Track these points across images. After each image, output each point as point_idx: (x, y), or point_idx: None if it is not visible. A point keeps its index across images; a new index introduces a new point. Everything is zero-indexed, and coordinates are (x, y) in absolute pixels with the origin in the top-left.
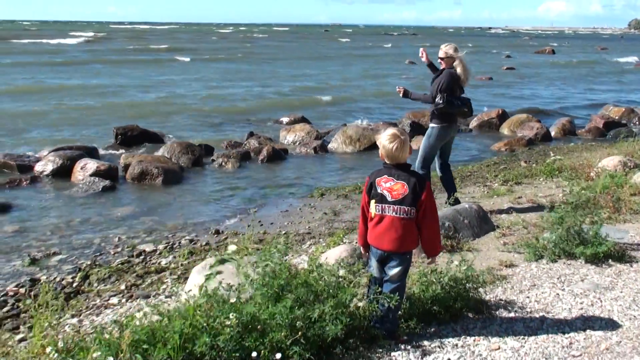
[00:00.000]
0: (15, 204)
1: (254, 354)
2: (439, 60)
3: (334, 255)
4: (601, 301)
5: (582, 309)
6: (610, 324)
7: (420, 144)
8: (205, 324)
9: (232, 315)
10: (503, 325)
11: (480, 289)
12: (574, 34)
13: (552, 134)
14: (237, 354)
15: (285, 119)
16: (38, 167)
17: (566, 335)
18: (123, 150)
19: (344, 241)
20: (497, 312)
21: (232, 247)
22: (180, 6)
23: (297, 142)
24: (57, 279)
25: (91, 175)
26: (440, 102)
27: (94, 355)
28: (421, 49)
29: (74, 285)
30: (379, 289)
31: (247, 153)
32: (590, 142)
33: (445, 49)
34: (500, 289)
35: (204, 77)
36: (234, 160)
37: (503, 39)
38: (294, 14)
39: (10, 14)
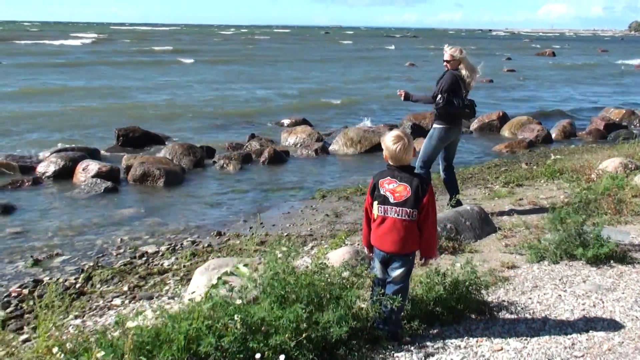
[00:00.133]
0: (17, 205)
1: (258, 355)
2: (445, 63)
3: (336, 257)
4: (603, 302)
5: (584, 310)
6: (612, 325)
7: (421, 146)
8: (209, 325)
9: (237, 317)
10: (505, 326)
11: (483, 291)
12: (575, 36)
13: (553, 136)
14: (241, 355)
15: (286, 121)
16: (40, 169)
17: (568, 336)
18: (125, 152)
19: (346, 243)
20: (500, 313)
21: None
22: (180, 8)
23: (299, 144)
24: (60, 280)
25: (93, 176)
26: (440, 101)
27: (98, 355)
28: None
29: (77, 286)
30: (382, 291)
31: (248, 155)
32: (591, 144)
33: (450, 52)
34: (503, 290)
35: (207, 78)
36: (236, 162)
37: (504, 41)
38: (294, 15)
39: (11, 15)
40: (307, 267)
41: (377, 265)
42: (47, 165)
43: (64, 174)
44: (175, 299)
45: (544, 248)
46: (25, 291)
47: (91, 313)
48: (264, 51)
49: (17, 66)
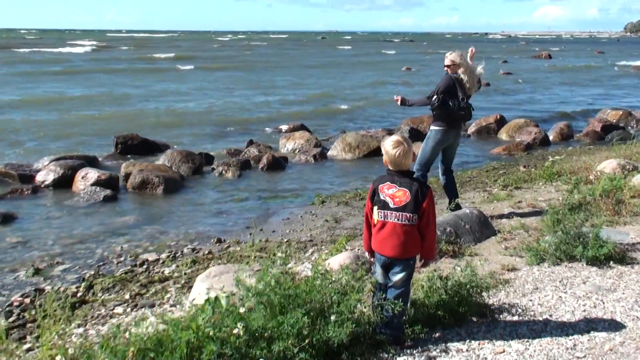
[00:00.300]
0: (17, 214)
1: None
2: (445, 68)
3: (336, 262)
4: (604, 303)
5: (585, 311)
6: (613, 325)
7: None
8: (212, 333)
9: (239, 324)
10: (507, 329)
11: (484, 293)
12: (572, 38)
13: (551, 138)
14: None
15: (284, 127)
16: (39, 177)
17: (570, 337)
18: (124, 160)
19: (347, 248)
20: (501, 316)
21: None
22: (177, 14)
23: (297, 150)
24: (62, 289)
25: (92, 184)
26: (435, 102)
27: None
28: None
29: (79, 295)
30: (384, 295)
31: (247, 161)
32: (589, 145)
33: (450, 57)
34: (503, 292)
35: (206, 85)
36: (234, 168)
37: (500, 44)
38: (291, 21)
39: (9, 23)
40: (306, 275)
41: (378, 270)
42: (46, 174)
43: (63, 183)
44: (177, 306)
45: (544, 250)
46: (27, 300)
47: (93, 321)
48: (262, 57)
49: (17, 74)
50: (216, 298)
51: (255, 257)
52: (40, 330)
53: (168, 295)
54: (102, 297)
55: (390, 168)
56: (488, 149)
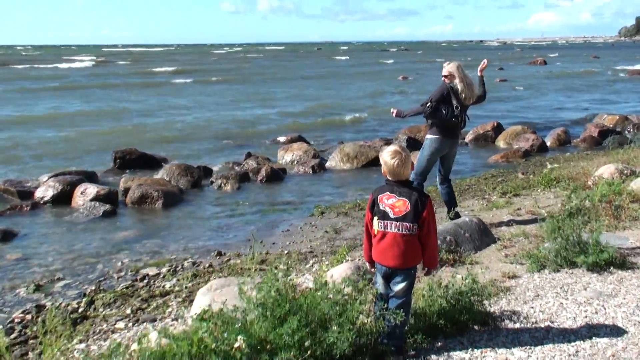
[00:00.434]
0: (16, 231)
1: None
2: (443, 78)
3: (338, 273)
4: (605, 308)
5: (586, 317)
6: (615, 331)
7: None
8: (214, 346)
9: (241, 336)
10: (509, 336)
11: (485, 301)
12: (567, 43)
13: (548, 144)
14: None
15: (282, 139)
16: (38, 193)
17: (572, 344)
18: (123, 175)
19: (347, 259)
20: (503, 324)
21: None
22: (172, 28)
23: (295, 161)
24: (63, 305)
25: (91, 200)
26: (428, 109)
27: None
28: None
29: (80, 310)
30: (385, 305)
31: (245, 174)
32: (586, 151)
33: (448, 67)
34: (505, 300)
35: (205, 99)
36: (233, 181)
37: (496, 52)
38: (286, 33)
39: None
40: (307, 287)
41: (379, 280)
42: (45, 190)
43: (62, 198)
44: (179, 320)
45: (544, 257)
46: (29, 317)
47: (95, 337)
48: (259, 69)
49: (15, 91)
50: (220, 310)
51: (256, 269)
52: (43, 346)
53: (169, 309)
54: (104, 312)
55: (389, 178)
56: (486, 157)
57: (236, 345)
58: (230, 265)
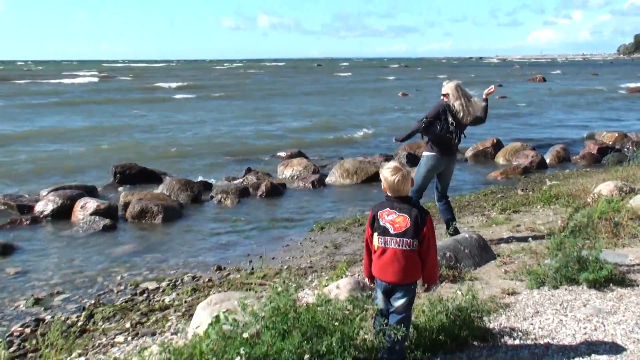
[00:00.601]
0: (16, 245)
1: None
2: (442, 97)
3: (337, 288)
4: (604, 325)
5: (585, 334)
6: (614, 348)
7: None
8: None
9: (243, 350)
10: (509, 353)
11: (485, 317)
12: (567, 60)
13: (547, 161)
14: None
15: (282, 154)
16: (38, 207)
17: None
18: (122, 189)
19: (347, 274)
20: (502, 340)
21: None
22: (172, 44)
23: (295, 177)
24: (62, 319)
25: (91, 214)
26: (422, 125)
27: None
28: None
29: (79, 324)
30: (385, 321)
31: (245, 189)
32: (585, 168)
33: (447, 86)
34: (504, 316)
35: (207, 114)
36: (233, 196)
37: (495, 69)
38: (286, 49)
39: (5, 55)
40: (307, 302)
41: (379, 296)
42: (45, 204)
43: (62, 213)
44: (179, 334)
45: (544, 273)
46: (28, 330)
47: (94, 351)
48: (260, 85)
49: (17, 106)
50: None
51: (256, 283)
52: (43, 359)
53: (169, 323)
54: (103, 326)
55: (389, 194)
56: (485, 173)
57: (237, 359)
58: (230, 279)
